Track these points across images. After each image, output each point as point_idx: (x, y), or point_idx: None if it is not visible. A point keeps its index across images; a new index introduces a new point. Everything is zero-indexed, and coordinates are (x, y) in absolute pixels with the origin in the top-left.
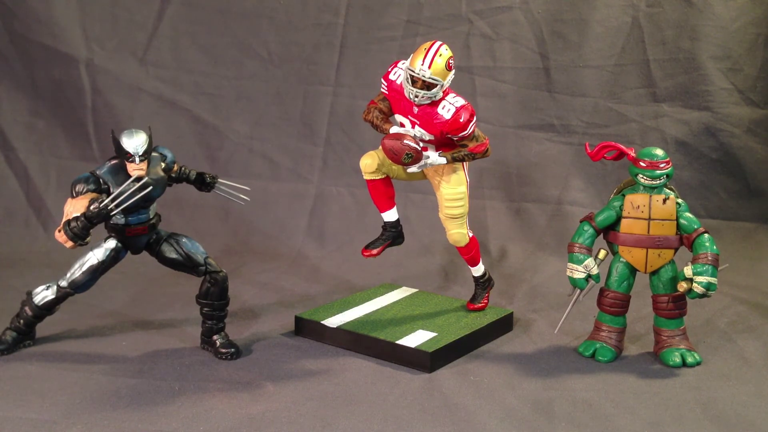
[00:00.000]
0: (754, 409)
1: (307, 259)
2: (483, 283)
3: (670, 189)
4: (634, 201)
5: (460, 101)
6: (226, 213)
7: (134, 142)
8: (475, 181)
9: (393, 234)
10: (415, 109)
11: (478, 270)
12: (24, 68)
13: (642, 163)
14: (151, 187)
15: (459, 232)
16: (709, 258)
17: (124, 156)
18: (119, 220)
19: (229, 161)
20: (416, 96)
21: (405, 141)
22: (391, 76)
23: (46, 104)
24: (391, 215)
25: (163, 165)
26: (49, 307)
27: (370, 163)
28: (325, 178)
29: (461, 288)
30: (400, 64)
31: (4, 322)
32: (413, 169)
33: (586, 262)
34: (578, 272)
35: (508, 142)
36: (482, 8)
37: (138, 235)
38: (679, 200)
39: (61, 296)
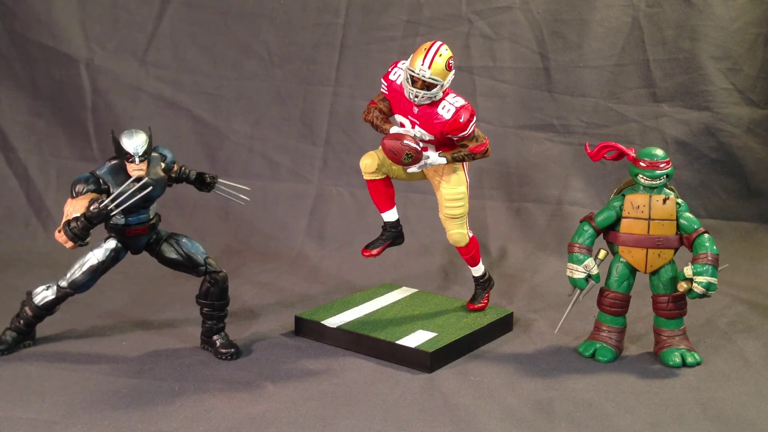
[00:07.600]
0: (754, 409)
1: (307, 259)
2: (483, 283)
3: (670, 189)
4: (634, 201)
5: (460, 101)
6: (226, 213)
7: (134, 143)
8: (475, 181)
9: (393, 234)
10: (415, 109)
11: (478, 270)
12: (24, 68)
13: (642, 163)
14: (151, 188)
15: (459, 232)
16: (709, 258)
17: (124, 156)
18: (119, 220)
19: (229, 161)
20: (416, 96)
21: (405, 141)
22: (391, 77)
23: (46, 104)
24: (391, 215)
25: (163, 165)
26: (49, 307)
27: (370, 163)
28: (325, 178)
29: (461, 288)
30: (400, 64)
31: (4, 322)
32: (413, 169)
33: (586, 262)
34: (578, 272)
35: (508, 142)
36: (482, 8)
37: (138, 235)
38: (679, 200)
39: (61, 296)
